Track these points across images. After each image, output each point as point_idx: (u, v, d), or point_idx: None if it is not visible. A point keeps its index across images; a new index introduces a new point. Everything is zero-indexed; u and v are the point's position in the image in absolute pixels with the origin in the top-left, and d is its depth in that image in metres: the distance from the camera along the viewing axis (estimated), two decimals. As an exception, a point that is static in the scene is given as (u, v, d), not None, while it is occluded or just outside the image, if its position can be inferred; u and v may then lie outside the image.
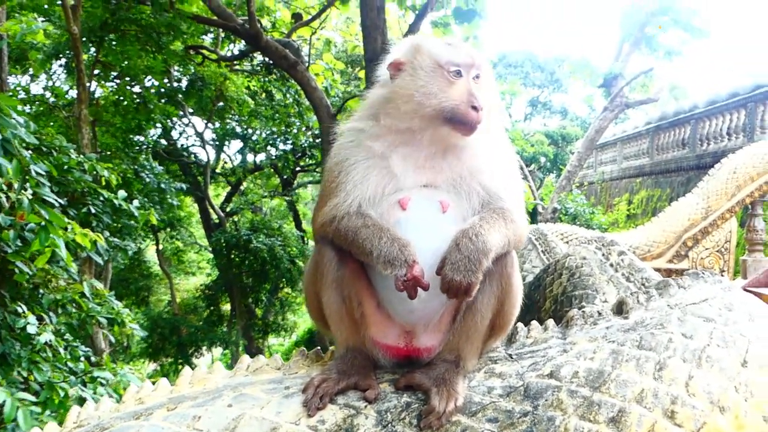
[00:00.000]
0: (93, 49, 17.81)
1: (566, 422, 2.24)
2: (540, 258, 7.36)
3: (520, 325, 2.73)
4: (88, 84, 15.03)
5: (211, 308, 28.56)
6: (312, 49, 19.96)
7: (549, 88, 48.39)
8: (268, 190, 32.87)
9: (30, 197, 5.84)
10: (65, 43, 17.78)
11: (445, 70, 2.52)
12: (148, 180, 16.07)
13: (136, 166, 16.19)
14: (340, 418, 2.28)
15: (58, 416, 6.09)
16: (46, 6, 16.69)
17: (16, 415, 5.27)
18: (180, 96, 22.00)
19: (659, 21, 25.95)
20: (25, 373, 6.32)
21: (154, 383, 2.57)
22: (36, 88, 21.89)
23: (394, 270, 2.33)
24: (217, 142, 29.01)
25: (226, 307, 28.96)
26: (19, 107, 6.94)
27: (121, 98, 19.50)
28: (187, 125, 27.26)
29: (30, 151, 6.76)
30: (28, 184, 6.00)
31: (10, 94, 15.44)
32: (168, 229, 29.12)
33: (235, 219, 29.75)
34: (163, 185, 16.68)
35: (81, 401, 6.20)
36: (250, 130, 27.62)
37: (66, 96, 20.11)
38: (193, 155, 28.48)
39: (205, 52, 20.81)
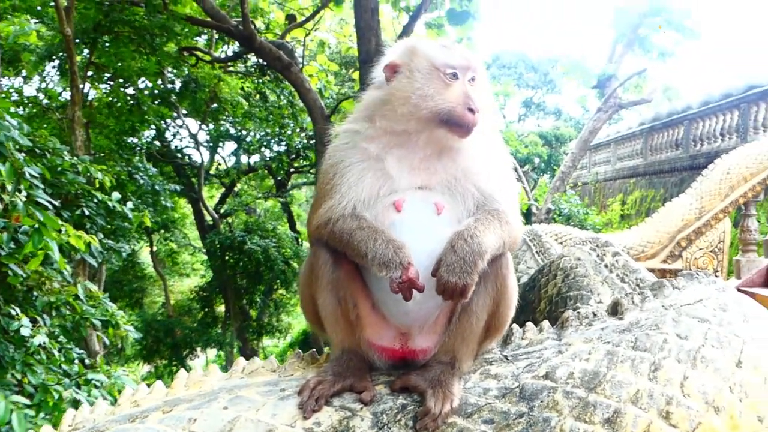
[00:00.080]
0: (86, 51, 17.79)
1: (562, 423, 2.24)
2: (534, 259, 7.36)
3: (515, 326, 2.74)
4: (81, 86, 15.01)
5: (206, 310, 28.52)
6: (306, 50, 19.96)
7: (543, 89, 48.41)
8: (262, 191, 32.85)
9: (24, 199, 5.82)
10: (58, 45, 17.75)
11: (441, 73, 2.52)
12: (142, 182, 16.06)
13: (129, 168, 16.19)
14: (335, 420, 2.28)
15: (53, 419, 6.07)
16: (39, 7, 16.67)
17: (10, 418, 5.25)
18: (174, 97, 21.98)
19: (652, 22, 26.03)
20: (19, 376, 6.30)
21: (148, 385, 2.57)
22: (29, 90, 21.83)
23: (389, 272, 2.33)
24: (211, 144, 28.98)
25: (221, 309, 28.93)
26: (12, 109, 6.94)
27: (115, 100, 19.46)
28: (180, 127, 27.23)
29: (23, 154, 6.75)
30: (21, 187, 5.99)
31: (3, 96, 15.40)
32: (162, 231, 29.06)
33: (230, 220, 29.75)
34: (157, 187, 16.67)
35: (75, 404, 6.19)
36: (244, 132, 27.59)
37: (59, 98, 20.04)
38: (187, 157, 28.47)
39: (198, 53, 20.80)
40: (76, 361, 7.41)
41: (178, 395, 2.46)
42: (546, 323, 2.74)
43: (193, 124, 26.88)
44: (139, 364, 27.50)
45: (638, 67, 26.96)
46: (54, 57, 19.40)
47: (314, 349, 2.83)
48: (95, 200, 8.95)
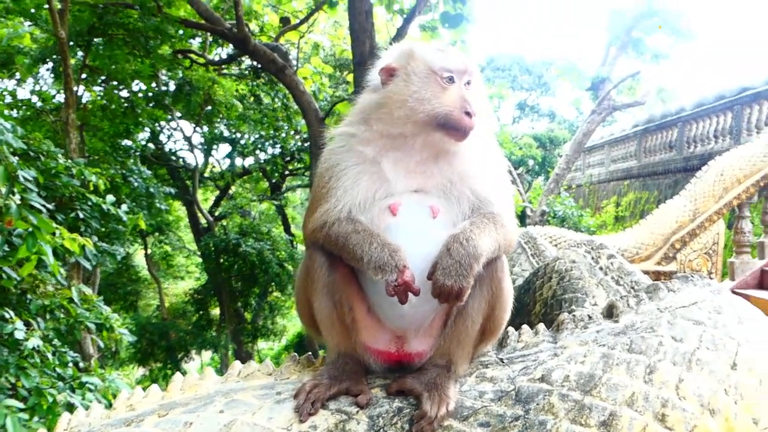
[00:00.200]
0: (80, 54, 17.77)
1: (558, 426, 2.24)
2: (529, 261, 7.37)
3: (510, 329, 2.74)
4: (75, 88, 14.98)
5: (200, 312, 28.48)
6: (300, 52, 20.00)
7: (537, 92, 48.57)
8: (256, 194, 32.85)
9: (18, 202, 5.81)
10: (52, 48, 17.72)
11: (438, 76, 2.53)
12: (136, 184, 16.03)
13: (124, 171, 16.15)
14: (332, 423, 2.28)
15: (47, 422, 6.07)
16: (32, 10, 16.63)
17: (5, 421, 5.25)
18: (168, 100, 21.95)
19: (646, 25, 26.10)
20: (12, 379, 6.29)
21: (144, 389, 2.56)
22: (23, 93, 21.78)
23: (384, 275, 2.33)
24: (206, 146, 28.97)
25: (215, 312, 28.90)
26: (6, 112, 6.94)
27: (109, 102, 19.46)
28: (175, 129, 27.22)
29: (17, 157, 6.74)
30: (15, 190, 5.98)
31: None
32: (156, 234, 29.06)
33: (224, 223, 29.69)
34: (152, 189, 16.64)
35: (70, 407, 6.19)
36: (238, 134, 27.59)
37: (53, 100, 20.04)
38: (181, 159, 28.43)
39: (193, 56, 20.82)
40: (71, 364, 7.39)
41: (174, 399, 2.46)
42: (541, 326, 2.74)
43: (187, 126, 26.88)
44: (133, 368, 27.47)
45: (632, 69, 27.07)
46: (48, 60, 19.36)
47: (310, 353, 2.83)
48: (89, 203, 8.94)
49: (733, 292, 3.25)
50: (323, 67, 21.58)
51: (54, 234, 6.20)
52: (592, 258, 4.67)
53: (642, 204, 22.40)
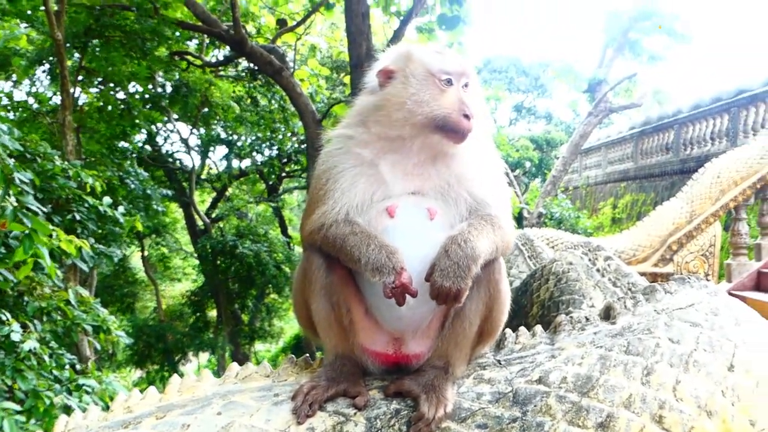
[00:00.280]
0: (77, 55, 17.73)
1: (555, 428, 2.24)
2: (527, 263, 7.37)
3: (508, 330, 2.74)
4: (72, 90, 14.95)
5: (197, 314, 28.47)
6: (297, 54, 20.01)
7: (533, 93, 48.54)
8: (253, 195, 32.83)
9: (14, 205, 5.80)
10: (49, 49, 17.70)
11: (436, 79, 2.53)
12: (133, 186, 15.99)
13: (120, 173, 16.12)
14: (329, 425, 2.28)
15: (44, 425, 6.06)
16: (29, 12, 16.60)
17: (2, 424, 5.24)
18: (165, 102, 21.93)
19: (642, 26, 26.14)
20: (9, 382, 6.27)
21: (141, 391, 2.56)
22: (19, 95, 21.76)
23: (382, 277, 2.33)
24: (202, 148, 28.95)
25: (212, 314, 28.88)
26: (2, 114, 6.92)
27: (106, 104, 19.42)
28: (172, 131, 27.21)
29: (13, 159, 6.73)
30: (11, 192, 5.97)
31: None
32: (153, 236, 29.01)
33: (221, 225, 29.69)
34: (149, 191, 16.62)
35: (67, 410, 6.17)
36: (235, 136, 27.59)
37: (50, 102, 20.00)
38: (178, 161, 28.42)
39: (189, 58, 20.79)
40: (67, 366, 7.38)
41: (172, 401, 2.46)
42: (539, 328, 2.74)
43: (184, 128, 26.87)
44: (130, 370, 27.43)
45: (628, 71, 27.13)
46: (44, 61, 19.34)
47: (307, 354, 2.83)
48: (86, 205, 8.93)
49: (730, 294, 3.25)
50: (320, 69, 21.59)
51: (51, 236, 6.19)
52: (589, 260, 4.68)
53: (639, 206, 22.44)
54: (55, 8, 12.49)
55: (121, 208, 9.53)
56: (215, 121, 25.31)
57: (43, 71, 20.95)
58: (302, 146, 25.66)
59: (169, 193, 21.54)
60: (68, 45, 15.93)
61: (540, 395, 2.33)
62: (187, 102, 21.09)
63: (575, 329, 2.67)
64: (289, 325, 32.59)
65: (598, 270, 4.54)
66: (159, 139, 27.22)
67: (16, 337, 6.37)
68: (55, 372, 6.95)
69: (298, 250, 25.35)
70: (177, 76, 20.71)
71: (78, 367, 8.31)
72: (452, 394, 2.38)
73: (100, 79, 19.77)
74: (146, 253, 30.22)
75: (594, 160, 29.76)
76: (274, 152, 28.15)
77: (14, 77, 20.93)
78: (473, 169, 2.62)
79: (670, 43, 27.23)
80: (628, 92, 30.86)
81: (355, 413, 2.32)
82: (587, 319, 2.70)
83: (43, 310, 7.34)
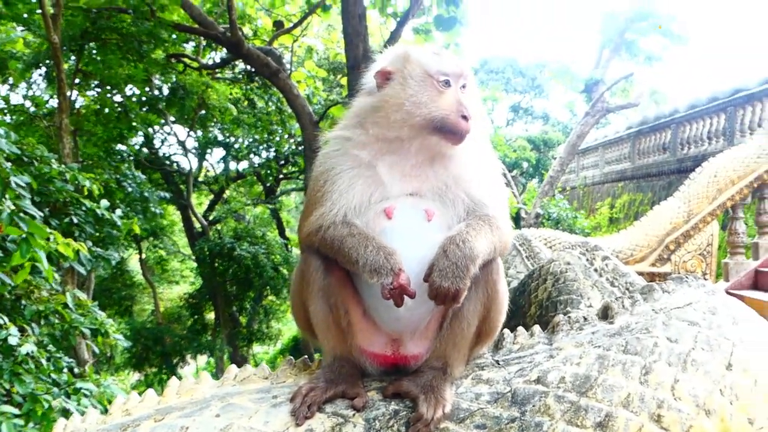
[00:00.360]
0: (73, 58, 17.74)
1: (554, 427, 2.25)
2: (524, 263, 7.38)
3: (506, 331, 2.74)
4: (68, 93, 14.95)
5: (195, 317, 28.41)
6: (294, 56, 20.00)
7: (530, 94, 48.56)
8: (251, 198, 32.82)
9: (12, 208, 5.80)
10: (45, 52, 17.70)
11: (434, 80, 2.53)
12: (130, 189, 15.99)
13: (118, 176, 16.09)
14: (328, 426, 2.28)
15: (42, 428, 6.05)
16: (25, 15, 16.59)
17: (0, 428, 5.23)
18: (162, 104, 21.92)
19: (639, 26, 26.18)
20: (7, 385, 6.27)
21: (140, 394, 2.56)
22: (16, 98, 21.77)
23: (380, 278, 2.33)
24: (200, 151, 28.91)
25: (210, 316, 28.82)
26: None
27: (103, 107, 19.42)
28: (169, 134, 27.18)
29: (10, 162, 6.72)
30: (7, 196, 5.96)
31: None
32: (151, 238, 29.00)
33: (219, 227, 29.64)
34: (146, 194, 16.61)
35: (65, 413, 6.16)
36: (232, 138, 27.57)
37: (46, 105, 19.98)
38: (175, 164, 28.38)
39: (186, 60, 20.79)
40: (65, 370, 7.37)
41: (170, 403, 2.46)
42: (537, 328, 2.75)
43: (181, 131, 26.86)
44: (128, 373, 27.38)
45: (625, 71, 27.12)
46: (41, 64, 19.33)
47: (306, 356, 2.83)
48: (83, 208, 8.92)
49: (728, 293, 3.26)
50: (317, 71, 21.60)
51: (48, 239, 6.18)
52: (587, 260, 4.68)
53: (636, 206, 22.45)
54: (52, 11, 12.49)
55: (118, 211, 9.52)
56: (212, 124, 25.31)
57: (40, 74, 20.93)
58: (299, 148, 25.66)
59: (167, 195, 21.47)
60: (65, 48, 15.92)
61: (538, 395, 2.33)
62: (184, 104, 21.07)
63: (573, 329, 2.67)
64: (287, 327, 32.56)
65: (595, 270, 4.54)
66: (156, 142, 27.21)
67: (13, 340, 6.36)
68: (53, 375, 6.94)
69: (296, 252, 25.38)
70: (174, 79, 20.72)
71: (76, 370, 8.31)
72: (451, 394, 2.39)
73: (96, 82, 19.79)
74: (144, 255, 30.18)
75: (591, 161, 29.78)
76: (272, 154, 28.15)
77: (11, 80, 20.91)
78: (471, 170, 2.62)
79: (666, 44, 27.27)
80: (624, 92, 30.89)
81: (353, 414, 2.33)
82: (585, 319, 2.70)
83: (41, 313, 7.34)
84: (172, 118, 24.32)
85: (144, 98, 21.44)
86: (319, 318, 2.57)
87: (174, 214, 30.99)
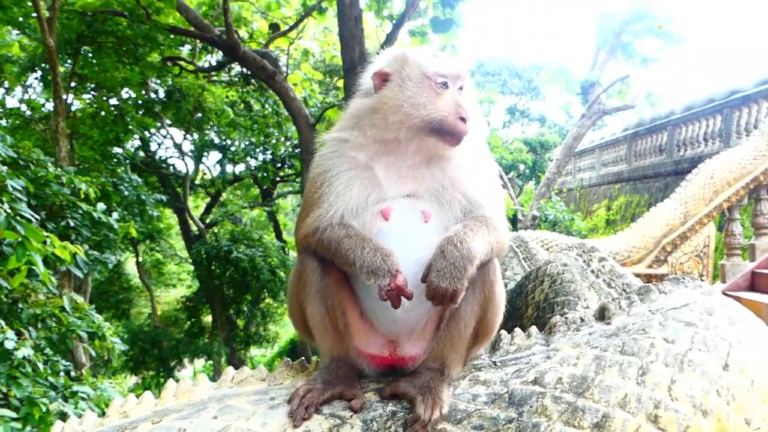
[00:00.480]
0: (69, 62, 17.74)
1: (551, 428, 2.25)
2: (521, 265, 7.38)
3: (503, 332, 2.74)
4: (64, 97, 14.96)
5: (192, 320, 28.40)
6: (290, 59, 20.02)
7: (527, 96, 48.59)
8: (247, 200, 32.83)
9: (7, 212, 5.79)
10: (41, 56, 17.71)
11: (432, 81, 2.53)
12: (127, 193, 15.99)
13: (114, 179, 16.11)
14: (326, 428, 2.27)
15: (39, 431, 6.04)
16: (20, 18, 16.59)
17: (-3, 431, 5.22)
18: (158, 107, 21.93)
19: (635, 28, 26.23)
20: (4, 389, 6.26)
21: (137, 396, 2.56)
22: (12, 102, 21.76)
23: (377, 280, 2.33)
24: (196, 154, 28.93)
25: (208, 319, 28.82)
26: (-4, 121, 6.92)
27: (99, 110, 19.42)
28: (165, 137, 27.22)
29: (6, 166, 6.72)
30: (4, 199, 5.96)
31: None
32: (148, 242, 29.03)
33: (215, 230, 29.66)
34: (143, 197, 16.62)
35: (62, 417, 6.16)
36: (228, 141, 27.58)
37: (42, 109, 20.01)
38: (171, 167, 28.38)
39: (182, 63, 20.80)
40: (62, 373, 7.36)
41: (168, 405, 2.45)
42: (534, 329, 2.75)
43: (177, 134, 26.89)
44: (126, 376, 27.36)
45: (621, 73, 27.17)
46: (37, 68, 19.35)
47: (303, 358, 2.83)
48: (80, 211, 8.92)
49: (724, 295, 3.27)
50: (313, 74, 21.61)
51: (45, 243, 6.18)
52: (584, 261, 4.68)
53: (633, 207, 22.49)
54: (47, 15, 12.49)
55: (115, 214, 9.53)
56: (209, 126, 25.33)
57: (36, 78, 20.96)
58: (296, 150, 25.67)
59: (163, 198, 21.47)
60: (61, 51, 15.91)
61: (536, 396, 2.33)
62: (180, 107, 21.10)
63: (570, 330, 2.67)
64: (284, 330, 32.57)
65: (592, 271, 4.55)
66: (152, 145, 27.24)
67: (10, 344, 6.36)
68: (50, 379, 6.93)
69: (293, 254, 25.36)
70: (170, 82, 20.74)
71: (73, 373, 8.29)
72: (448, 395, 2.38)
73: (92, 86, 19.80)
74: (141, 259, 30.19)
75: (588, 162, 29.82)
76: (268, 157, 28.15)
77: (6, 84, 20.93)
78: (468, 171, 2.62)
79: (662, 45, 27.34)
80: (621, 94, 30.95)
81: (351, 416, 2.32)
82: (582, 320, 2.70)
83: (38, 317, 7.33)
84: (169, 121, 24.35)
85: (140, 101, 21.46)
86: (316, 319, 2.57)
87: (171, 217, 31.02)
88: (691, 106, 20.65)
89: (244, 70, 20.74)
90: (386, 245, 2.41)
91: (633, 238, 11.76)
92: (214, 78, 22.93)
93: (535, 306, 4.64)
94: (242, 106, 23.67)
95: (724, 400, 2.36)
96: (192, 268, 29.34)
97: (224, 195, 32.16)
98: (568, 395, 2.32)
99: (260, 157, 28.47)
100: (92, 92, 20.48)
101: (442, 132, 2.51)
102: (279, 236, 31.86)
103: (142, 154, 25.97)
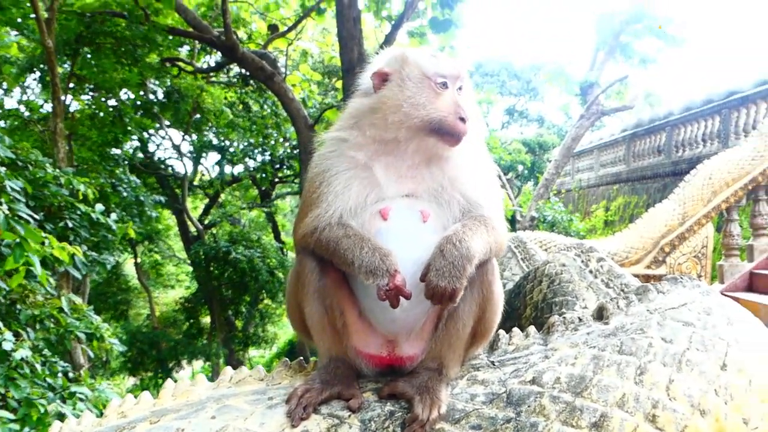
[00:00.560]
0: (68, 63, 17.73)
1: (549, 428, 2.25)
2: (520, 265, 7.37)
3: (501, 332, 2.74)
4: (63, 97, 14.96)
5: (191, 321, 28.41)
6: (288, 60, 20.03)
7: (525, 97, 48.53)
8: (246, 201, 32.82)
9: (6, 213, 5.79)
10: (39, 57, 17.71)
11: (432, 82, 2.54)
12: (125, 194, 16.00)
13: (113, 180, 16.12)
14: (324, 428, 2.27)
15: (38, 433, 6.04)
16: (19, 19, 16.59)
17: (-5, 432, 5.22)
18: (156, 108, 21.94)
19: (634, 28, 26.24)
20: (2, 390, 6.25)
21: (135, 396, 2.56)
22: (10, 103, 21.74)
23: (376, 279, 2.33)
24: (195, 154, 28.94)
25: (206, 320, 28.83)
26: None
27: (97, 111, 19.43)
28: (163, 138, 27.22)
29: (4, 167, 6.72)
30: (2, 200, 5.96)
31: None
32: (146, 243, 29.02)
33: (214, 231, 29.66)
34: (141, 198, 16.62)
35: (61, 418, 6.15)
36: (227, 142, 27.59)
37: (41, 110, 20.01)
38: (170, 168, 28.40)
39: (181, 64, 20.81)
40: (60, 374, 7.35)
41: (166, 405, 2.45)
42: (532, 328, 2.74)
43: (176, 134, 26.91)
44: (124, 378, 27.37)
45: (620, 73, 27.17)
46: (35, 69, 19.35)
47: (301, 358, 2.82)
48: (78, 212, 8.92)
49: (723, 295, 3.27)
50: (312, 75, 21.61)
51: (43, 243, 6.17)
52: (582, 261, 4.68)
53: (631, 208, 22.49)
54: (46, 16, 12.49)
55: (113, 215, 9.52)
56: (207, 127, 25.33)
57: (34, 79, 20.95)
58: (295, 151, 25.68)
59: (162, 199, 21.50)
60: (59, 52, 15.90)
61: (534, 396, 2.33)
62: (178, 108, 21.10)
63: (568, 330, 2.67)
64: (282, 331, 32.57)
65: (590, 271, 4.54)
66: (151, 146, 27.26)
67: (7, 345, 6.35)
68: (48, 380, 6.92)
69: (291, 255, 25.38)
70: (168, 83, 20.73)
71: (71, 374, 8.29)
72: (446, 395, 2.38)
73: (91, 86, 19.79)
74: (139, 260, 30.20)
75: (586, 163, 29.83)
76: (267, 158, 28.16)
77: (5, 85, 20.90)
78: (466, 171, 2.62)
79: (661, 46, 27.35)
80: (619, 95, 30.95)
81: (349, 415, 2.32)
82: (580, 320, 2.70)
83: (36, 317, 7.33)
84: (167, 122, 24.35)
85: (139, 102, 21.46)
86: (315, 319, 2.57)
87: (169, 218, 31.02)
88: (690, 107, 20.66)
89: (243, 71, 20.78)
90: (385, 245, 2.41)
91: (631, 239, 11.75)
92: (213, 79, 22.94)
93: (533, 306, 4.64)
94: (241, 107, 23.69)
95: (722, 400, 2.37)
96: (190, 269, 29.36)
97: (223, 196, 32.17)
98: (566, 395, 2.32)
99: (259, 158, 28.48)
100: (91, 93, 20.48)
101: (442, 132, 2.51)
102: (277, 237, 31.86)
103: (140, 155, 25.99)
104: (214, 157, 29.66)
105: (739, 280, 10.75)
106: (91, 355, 9.20)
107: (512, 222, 24.23)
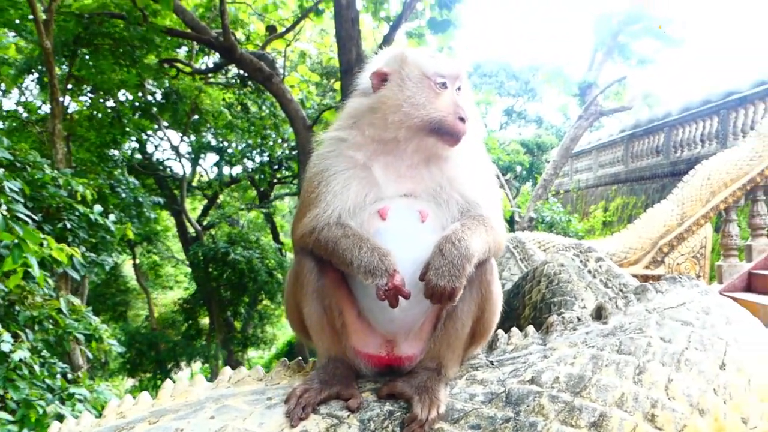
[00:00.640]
0: (66, 64, 17.72)
1: (548, 427, 2.25)
2: (518, 266, 7.37)
3: (500, 331, 2.74)
4: (61, 99, 14.93)
5: (190, 322, 28.40)
6: (287, 61, 20.02)
7: (524, 97, 48.56)
8: (245, 202, 32.81)
9: (4, 214, 5.79)
10: (38, 58, 17.71)
11: (431, 81, 2.54)
12: (123, 195, 15.98)
13: (111, 181, 16.10)
14: (323, 428, 2.27)
15: (36, 434, 6.03)
16: (17, 21, 16.58)
17: (-6, 434, 5.22)
18: (155, 109, 21.93)
19: (632, 29, 26.26)
20: (1, 392, 6.25)
21: (134, 397, 2.55)
22: (8, 104, 21.76)
23: (374, 279, 2.33)
24: (193, 156, 28.93)
25: (205, 321, 28.82)
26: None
27: (96, 112, 19.42)
28: (162, 139, 27.22)
29: (2, 169, 6.72)
30: (1, 201, 5.95)
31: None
32: (145, 244, 29.00)
33: (213, 232, 29.67)
34: (140, 199, 16.61)
35: (59, 419, 6.14)
36: (225, 143, 27.58)
37: (39, 111, 19.99)
38: (168, 169, 28.39)
39: (179, 65, 20.80)
40: (59, 375, 7.35)
41: (165, 406, 2.45)
42: (531, 328, 2.74)
43: (174, 135, 26.88)
44: (123, 379, 27.36)
45: (618, 74, 27.19)
46: (33, 70, 19.34)
47: (300, 358, 2.82)
48: (77, 213, 8.92)
49: (721, 296, 3.27)
50: (310, 75, 21.62)
51: (41, 245, 6.17)
52: (581, 261, 4.68)
53: (630, 209, 22.50)
54: (44, 17, 12.48)
55: (112, 216, 9.52)
56: (205, 128, 25.33)
57: (32, 80, 20.95)
58: (293, 152, 25.67)
59: (160, 200, 21.49)
60: (57, 54, 15.89)
61: (533, 395, 2.33)
62: (177, 109, 21.09)
63: (567, 329, 2.67)
64: (281, 332, 32.54)
65: (589, 271, 4.54)
66: (149, 147, 27.28)
67: (6, 347, 6.34)
68: (47, 381, 6.92)
69: (290, 256, 25.36)
70: (167, 84, 20.72)
71: (70, 376, 8.28)
72: (445, 395, 2.38)
73: (89, 88, 19.77)
74: (138, 261, 30.19)
75: (585, 164, 29.84)
76: (265, 159, 28.16)
77: (3, 86, 20.90)
78: (465, 171, 2.62)
79: (659, 46, 27.39)
80: (618, 95, 30.97)
81: (348, 415, 2.32)
82: (579, 320, 2.70)
83: (35, 319, 7.32)
84: (165, 123, 24.33)
85: (137, 103, 21.46)
86: (314, 319, 2.57)
87: (168, 219, 31.01)
88: (688, 108, 20.68)
89: (241, 72, 20.78)
90: (384, 245, 2.41)
91: (630, 240, 11.75)
92: (211, 80, 22.94)
93: (532, 306, 4.64)
94: (239, 108, 23.68)
95: (721, 399, 2.37)
96: (189, 270, 29.35)
97: (221, 197, 32.17)
98: (565, 394, 2.32)
99: (257, 158, 28.49)
100: (89, 94, 20.46)
101: (442, 132, 2.51)
102: (276, 238, 31.85)
103: (139, 156, 25.99)
104: (212, 158, 29.68)
105: (737, 281, 10.75)
106: (90, 356, 9.19)
107: (511, 222, 24.23)
